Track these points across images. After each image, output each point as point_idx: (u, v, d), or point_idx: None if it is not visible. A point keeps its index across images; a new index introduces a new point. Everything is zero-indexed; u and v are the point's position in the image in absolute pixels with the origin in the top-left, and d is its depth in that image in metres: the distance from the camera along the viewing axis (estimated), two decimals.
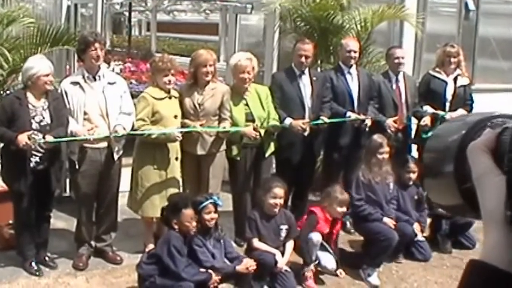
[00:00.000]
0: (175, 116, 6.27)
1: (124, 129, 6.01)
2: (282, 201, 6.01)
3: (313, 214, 6.16)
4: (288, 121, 6.78)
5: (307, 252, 6.06)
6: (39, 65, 5.79)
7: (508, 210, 0.83)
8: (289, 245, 6.03)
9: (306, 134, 6.80)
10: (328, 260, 6.13)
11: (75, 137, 5.87)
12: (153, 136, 6.07)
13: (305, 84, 6.99)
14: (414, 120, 7.77)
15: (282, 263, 5.86)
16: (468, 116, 0.99)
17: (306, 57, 6.93)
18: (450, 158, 0.94)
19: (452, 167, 0.93)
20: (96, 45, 5.99)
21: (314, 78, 7.03)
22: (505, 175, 0.85)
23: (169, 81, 6.21)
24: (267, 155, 6.80)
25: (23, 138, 5.51)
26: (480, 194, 0.88)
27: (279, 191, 5.96)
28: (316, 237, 6.05)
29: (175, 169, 6.34)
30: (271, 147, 6.84)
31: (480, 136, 0.92)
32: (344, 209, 6.22)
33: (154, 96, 6.20)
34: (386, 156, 6.60)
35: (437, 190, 0.99)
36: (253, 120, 6.59)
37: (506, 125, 0.90)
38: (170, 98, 6.27)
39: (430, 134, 7.47)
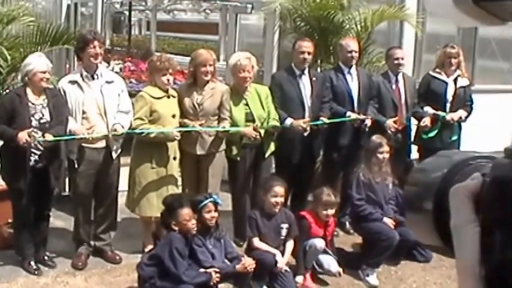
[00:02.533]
0: (174, 116, 6.26)
1: (123, 127, 6.01)
2: (282, 199, 6.01)
3: (303, 219, 6.15)
4: (289, 121, 6.77)
5: (306, 259, 6.05)
6: (36, 61, 5.81)
7: (482, 268, 0.77)
8: (290, 244, 6.02)
9: (306, 134, 6.80)
10: (331, 263, 6.13)
11: (74, 135, 5.87)
12: (152, 135, 6.06)
13: (305, 84, 6.98)
14: (414, 121, 7.77)
15: (282, 263, 5.85)
16: (455, 152, 0.94)
17: (308, 53, 6.93)
18: (430, 195, 0.89)
19: (431, 205, 0.89)
20: (95, 43, 5.99)
21: (314, 78, 7.03)
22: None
23: (168, 80, 6.20)
24: (266, 155, 6.79)
25: (23, 136, 5.51)
26: (456, 244, 0.82)
27: (280, 189, 5.96)
28: (319, 243, 6.04)
29: (173, 169, 6.34)
30: (271, 148, 6.83)
31: (462, 177, 0.86)
32: (331, 212, 6.18)
33: (153, 95, 6.19)
34: (386, 156, 6.59)
35: (417, 226, 0.94)
36: (253, 120, 6.58)
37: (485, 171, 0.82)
38: (168, 97, 6.26)
39: (430, 134, 7.51)
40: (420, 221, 0.91)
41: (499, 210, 0.76)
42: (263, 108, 6.70)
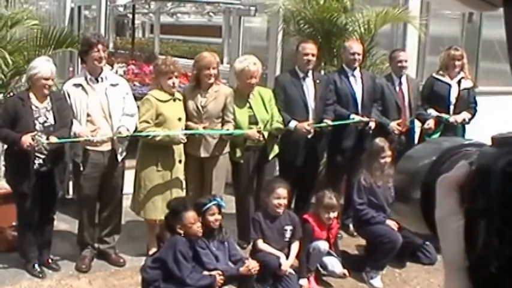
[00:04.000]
0: (179, 119, 6.26)
1: (128, 130, 6.02)
2: (285, 201, 6.01)
3: (306, 223, 6.13)
4: (293, 124, 6.77)
5: (310, 261, 6.05)
6: (41, 66, 5.81)
7: (467, 260, 0.76)
8: (294, 246, 6.01)
9: (309, 136, 6.80)
10: (335, 264, 6.12)
11: (78, 138, 5.88)
12: (158, 138, 6.07)
13: (308, 86, 6.98)
14: (418, 123, 7.76)
15: (286, 265, 5.85)
16: (445, 140, 0.92)
17: (312, 55, 6.92)
18: (418, 184, 0.88)
19: (419, 195, 0.87)
20: (99, 46, 6.00)
21: (317, 81, 7.03)
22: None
23: (173, 83, 6.20)
24: (270, 157, 6.79)
25: (26, 139, 5.52)
26: (441, 237, 0.81)
27: (282, 191, 5.96)
28: (323, 245, 6.04)
29: (178, 172, 6.34)
30: (275, 150, 6.83)
31: (450, 165, 0.84)
32: (333, 214, 6.16)
33: (159, 98, 6.20)
34: (388, 160, 6.58)
35: (405, 215, 0.92)
36: (256, 123, 6.58)
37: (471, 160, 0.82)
38: (174, 100, 6.27)
39: (433, 137, 7.49)
40: (408, 210, 0.90)
41: (484, 200, 0.75)
42: (266, 111, 6.70)
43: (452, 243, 0.79)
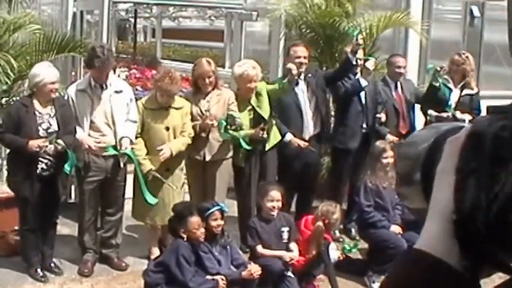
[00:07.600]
0: (167, 128, 6.23)
1: (130, 141, 6.03)
2: (279, 204, 5.98)
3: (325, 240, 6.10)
4: (289, 137, 6.79)
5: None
6: (45, 72, 5.80)
7: (454, 213, 0.82)
8: (294, 246, 5.98)
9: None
10: (332, 252, 6.10)
11: (83, 147, 5.93)
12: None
13: (302, 89, 6.97)
14: (418, 126, 7.76)
15: (290, 256, 5.82)
16: (443, 124, 0.97)
17: (304, 57, 6.91)
18: (419, 166, 0.93)
19: (420, 176, 0.92)
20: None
21: (309, 75, 7.01)
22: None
23: (166, 103, 6.21)
24: (268, 147, 6.73)
25: (34, 143, 5.54)
26: (436, 186, 0.87)
27: (276, 193, 5.95)
28: (335, 255, 6.04)
29: (178, 176, 6.34)
30: (277, 137, 6.78)
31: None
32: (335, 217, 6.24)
33: (147, 106, 6.20)
34: (390, 160, 6.57)
35: (409, 198, 0.98)
36: (259, 124, 6.57)
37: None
38: (166, 109, 6.24)
39: None
40: (411, 193, 0.96)
41: (476, 160, 0.81)
42: (264, 103, 6.69)
43: (445, 194, 0.84)
